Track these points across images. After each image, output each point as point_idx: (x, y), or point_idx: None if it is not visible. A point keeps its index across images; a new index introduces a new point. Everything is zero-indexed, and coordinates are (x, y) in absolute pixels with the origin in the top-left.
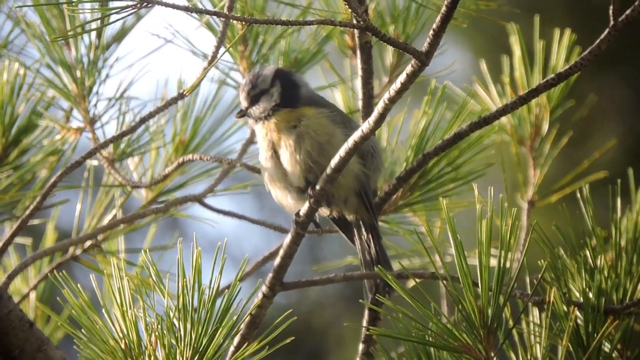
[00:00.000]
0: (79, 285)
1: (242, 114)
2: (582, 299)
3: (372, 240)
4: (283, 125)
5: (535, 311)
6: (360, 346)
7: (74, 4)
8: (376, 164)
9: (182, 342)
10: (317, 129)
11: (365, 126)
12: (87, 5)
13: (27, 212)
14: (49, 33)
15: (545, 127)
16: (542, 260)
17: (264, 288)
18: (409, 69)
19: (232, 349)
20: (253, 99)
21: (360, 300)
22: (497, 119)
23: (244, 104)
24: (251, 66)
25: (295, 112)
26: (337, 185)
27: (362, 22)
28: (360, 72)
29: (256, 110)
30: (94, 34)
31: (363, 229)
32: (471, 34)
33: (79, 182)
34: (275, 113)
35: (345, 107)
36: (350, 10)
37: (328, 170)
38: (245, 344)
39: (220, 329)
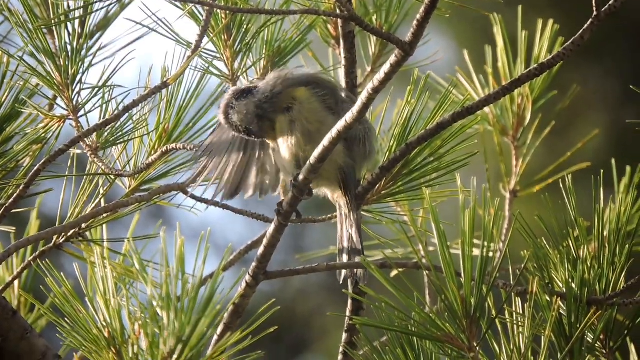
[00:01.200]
0: (62, 273)
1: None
2: (565, 290)
3: (349, 229)
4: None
5: (518, 301)
6: (344, 335)
7: None
8: (365, 151)
9: (166, 331)
10: (309, 115)
11: (349, 116)
12: None
13: (11, 200)
14: (32, 21)
15: (527, 117)
16: (525, 251)
17: (247, 277)
18: (392, 58)
19: (215, 337)
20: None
21: (343, 290)
22: (480, 109)
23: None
24: (235, 55)
25: (285, 95)
26: (319, 174)
27: (345, 12)
28: (343, 62)
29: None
30: (77, 22)
31: (343, 217)
32: (454, 24)
33: (63, 171)
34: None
35: None
36: None
37: (312, 160)
38: (229, 333)
39: (204, 318)
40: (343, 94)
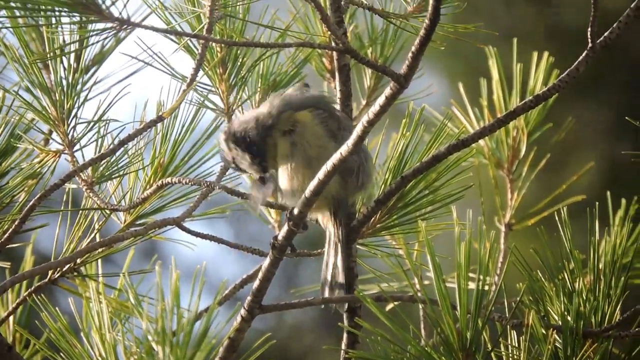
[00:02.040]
0: (57, 309)
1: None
2: (560, 322)
3: (334, 257)
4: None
5: (514, 334)
6: None
7: (53, 26)
8: (358, 183)
9: None
10: (311, 139)
11: (344, 149)
12: (67, 28)
13: (6, 235)
14: (28, 56)
15: (523, 150)
16: (521, 283)
17: (242, 311)
18: (387, 91)
19: None
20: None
21: (339, 324)
22: (475, 141)
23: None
24: (230, 89)
25: (287, 119)
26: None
27: (341, 45)
28: (338, 95)
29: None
30: (72, 56)
31: (330, 245)
32: (449, 58)
33: (58, 206)
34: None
35: None
36: (329, 32)
37: (307, 194)
38: None
39: (199, 352)
40: (343, 121)
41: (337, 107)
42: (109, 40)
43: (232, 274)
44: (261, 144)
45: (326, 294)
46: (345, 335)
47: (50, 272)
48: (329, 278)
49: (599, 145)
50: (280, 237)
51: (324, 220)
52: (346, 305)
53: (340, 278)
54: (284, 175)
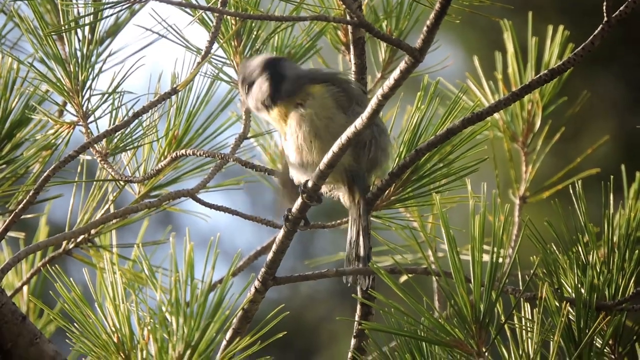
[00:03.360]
0: (71, 279)
1: (243, 105)
2: (574, 295)
3: (356, 233)
4: (285, 111)
5: (527, 307)
6: (353, 341)
7: None
8: (371, 156)
9: (175, 336)
10: (319, 111)
11: (358, 122)
12: (81, 0)
13: (20, 206)
14: (43, 27)
15: (537, 123)
16: (535, 256)
17: (256, 283)
18: (402, 65)
19: (224, 343)
20: (247, 90)
21: (352, 295)
22: (490, 115)
23: (241, 96)
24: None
25: (302, 91)
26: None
27: (355, 18)
28: (353, 68)
29: (251, 102)
30: (87, 28)
31: (351, 221)
32: (464, 31)
33: (72, 177)
34: (276, 103)
35: None
36: (343, 6)
37: (321, 166)
38: (238, 338)
39: (213, 324)
40: (359, 96)
41: (353, 84)
42: (123, 12)
43: (247, 244)
44: (285, 87)
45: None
46: (359, 307)
47: (64, 243)
48: (352, 253)
49: (613, 118)
50: (294, 210)
51: (344, 196)
52: (369, 281)
53: (362, 252)
54: (292, 148)
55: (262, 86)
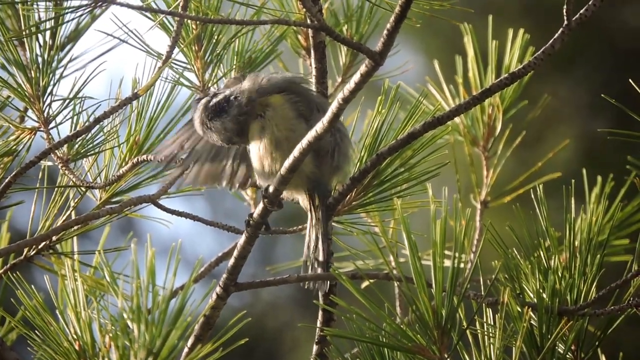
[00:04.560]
0: (33, 286)
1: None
2: (536, 300)
3: (315, 238)
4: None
5: (489, 312)
6: (315, 347)
7: (28, 3)
8: (333, 162)
9: (137, 344)
10: (279, 122)
11: (319, 126)
12: (42, 5)
13: None
14: (3, 33)
15: (498, 127)
16: (496, 261)
17: (217, 289)
18: (362, 68)
19: (186, 350)
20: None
21: (314, 302)
22: (451, 119)
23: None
24: (205, 66)
25: (260, 103)
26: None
27: (316, 22)
28: (313, 72)
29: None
30: (48, 33)
31: (310, 226)
32: (424, 35)
33: (34, 183)
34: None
35: None
36: (304, 10)
37: (282, 171)
38: (200, 345)
39: (175, 330)
40: (318, 101)
41: (312, 87)
42: (84, 17)
43: (208, 251)
44: (236, 122)
45: (309, 270)
46: (320, 313)
47: (25, 250)
48: (311, 258)
49: (575, 122)
50: (255, 215)
51: (303, 201)
52: (328, 285)
53: (321, 257)
54: (255, 158)
55: (220, 135)
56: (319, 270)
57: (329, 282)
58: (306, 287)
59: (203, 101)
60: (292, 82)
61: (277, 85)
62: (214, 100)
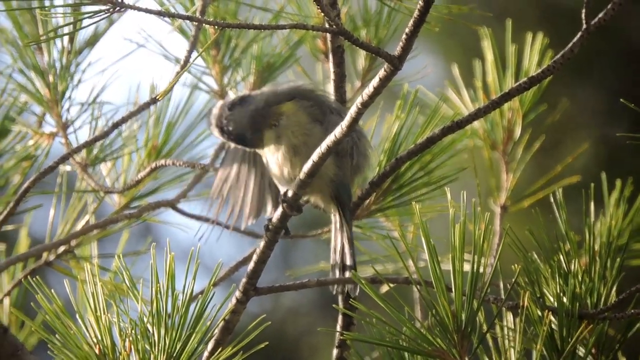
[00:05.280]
0: (52, 290)
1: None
2: (556, 304)
3: (341, 242)
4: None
5: (509, 316)
6: (335, 351)
7: (46, 8)
8: (353, 163)
9: (156, 347)
10: (295, 129)
11: (338, 130)
12: (60, 10)
13: (0, 218)
14: (22, 38)
15: (517, 131)
16: (516, 265)
17: (237, 293)
18: (381, 73)
19: (205, 354)
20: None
21: (333, 306)
22: (470, 123)
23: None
24: (223, 71)
25: (272, 113)
26: (310, 188)
27: (334, 26)
28: (332, 76)
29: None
30: (66, 38)
31: (336, 230)
32: (443, 39)
33: (52, 188)
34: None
35: None
36: (322, 14)
37: (301, 175)
38: (219, 349)
39: (194, 334)
40: (332, 104)
41: (326, 93)
42: (102, 22)
43: (228, 255)
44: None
45: (336, 273)
46: (340, 317)
47: (45, 254)
48: (338, 261)
49: (593, 126)
50: (274, 220)
51: (327, 205)
52: (357, 289)
53: (348, 261)
54: (274, 166)
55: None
56: (347, 275)
57: (356, 286)
58: (334, 292)
59: (220, 103)
60: (300, 88)
61: (286, 94)
62: (234, 97)
